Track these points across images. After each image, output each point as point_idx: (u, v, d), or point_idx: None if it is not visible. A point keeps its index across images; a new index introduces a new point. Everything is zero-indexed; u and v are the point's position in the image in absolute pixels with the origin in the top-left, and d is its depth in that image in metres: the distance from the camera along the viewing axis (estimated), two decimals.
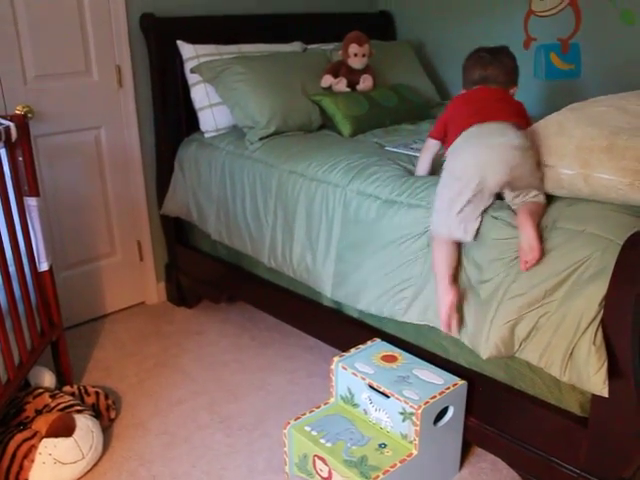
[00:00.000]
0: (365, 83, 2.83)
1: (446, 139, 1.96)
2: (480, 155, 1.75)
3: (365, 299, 2.10)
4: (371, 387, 1.86)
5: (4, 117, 2.07)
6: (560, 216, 1.70)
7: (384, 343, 2.06)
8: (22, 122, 2.09)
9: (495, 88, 1.99)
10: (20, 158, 2.10)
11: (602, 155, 1.61)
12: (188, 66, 2.79)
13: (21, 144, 2.08)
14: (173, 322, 2.92)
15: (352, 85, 2.83)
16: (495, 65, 2.01)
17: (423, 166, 2.10)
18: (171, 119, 2.88)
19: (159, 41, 2.77)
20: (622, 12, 2.82)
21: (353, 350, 2.01)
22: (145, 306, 3.08)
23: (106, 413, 2.17)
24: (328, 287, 2.24)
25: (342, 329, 2.28)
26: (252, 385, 2.42)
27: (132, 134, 2.87)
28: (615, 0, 2.82)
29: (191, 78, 2.79)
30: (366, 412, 1.90)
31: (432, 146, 2.06)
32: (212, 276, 2.88)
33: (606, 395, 1.54)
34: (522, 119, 1.90)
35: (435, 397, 1.77)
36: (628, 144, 1.60)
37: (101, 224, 2.88)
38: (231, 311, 3.01)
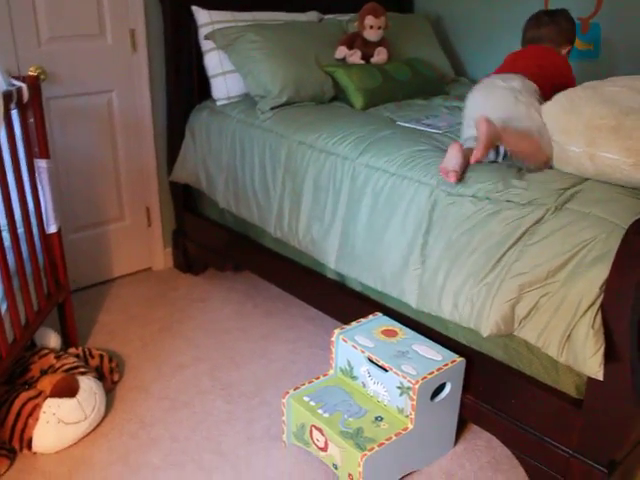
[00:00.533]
0: (380, 56, 2.81)
1: None
2: (479, 98, 2.02)
3: (368, 274, 2.12)
4: (370, 360, 1.88)
5: (17, 78, 2.07)
6: (567, 197, 1.69)
7: (385, 317, 2.07)
8: (34, 83, 2.09)
9: (543, 46, 2.28)
10: (31, 120, 2.11)
11: (609, 134, 1.60)
12: (202, 32, 2.77)
13: (33, 106, 2.09)
14: (178, 288, 2.95)
15: (366, 57, 2.81)
16: (550, 26, 2.31)
17: None
18: (184, 86, 2.87)
19: (174, 6, 2.75)
20: None
21: (354, 323, 2.03)
22: (152, 272, 3.11)
23: (109, 376, 2.20)
24: (332, 259, 2.25)
25: (344, 302, 2.30)
26: (254, 353, 2.45)
27: (144, 99, 2.87)
28: None
29: (205, 45, 2.78)
30: (364, 385, 1.92)
31: None
32: (218, 244, 2.89)
33: (601, 378, 1.55)
34: (556, 75, 2.14)
35: (433, 373, 1.79)
36: (636, 124, 1.59)
37: (110, 188, 2.90)
38: (236, 280, 3.03)
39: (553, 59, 2.24)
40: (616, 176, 1.63)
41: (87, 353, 2.22)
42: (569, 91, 1.80)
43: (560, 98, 1.77)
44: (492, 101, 1.99)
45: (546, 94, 2.00)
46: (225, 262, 2.91)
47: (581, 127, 1.65)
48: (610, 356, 1.56)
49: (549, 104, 1.78)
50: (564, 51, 2.33)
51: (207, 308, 2.77)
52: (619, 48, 2.86)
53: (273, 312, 2.75)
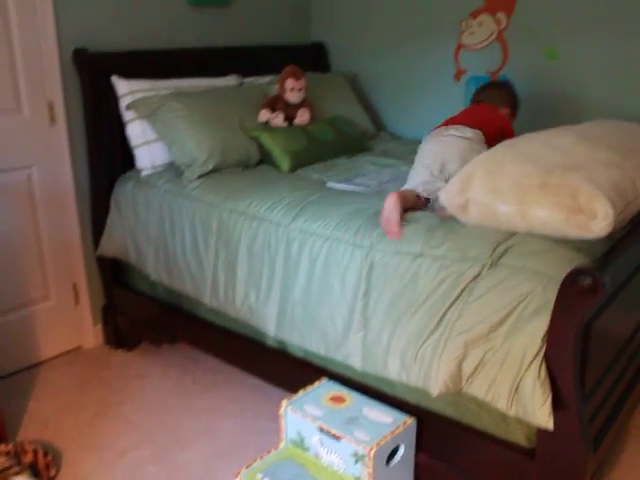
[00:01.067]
0: (302, 117, 2.85)
1: None
2: (435, 145, 2.25)
3: (310, 339, 2.09)
4: (321, 430, 1.84)
5: None
6: (501, 252, 1.73)
7: (331, 383, 2.04)
8: None
9: (485, 104, 2.54)
10: None
11: (538, 192, 1.66)
12: (123, 102, 2.73)
13: None
14: (112, 367, 2.83)
15: (289, 119, 2.84)
16: (491, 89, 2.65)
17: None
18: (106, 157, 2.81)
19: (93, 77, 2.71)
20: (546, 49, 2.93)
21: (301, 392, 1.99)
22: (81, 351, 2.97)
23: (45, 472, 2.07)
24: (272, 326, 2.21)
25: (287, 369, 2.26)
26: (199, 431, 2.36)
27: (66, 173, 2.79)
28: (538, 37, 2.93)
29: (127, 115, 2.74)
30: (317, 455, 1.87)
31: None
32: (152, 317, 2.81)
33: (551, 428, 1.58)
34: (498, 128, 2.38)
35: (386, 437, 1.76)
36: (561, 181, 1.65)
37: (34, 267, 2.78)
38: (172, 352, 2.94)
39: (494, 114, 2.47)
40: (547, 231, 1.68)
41: (19, 449, 2.08)
42: (492, 151, 1.86)
43: (485, 158, 1.83)
44: (449, 148, 2.21)
45: (490, 144, 2.20)
46: (160, 336, 2.82)
47: (509, 186, 1.69)
48: (558, 405, 1.59)
49: (476, 162, 1.83)
50: (504, 111, 2.57)
51: (145, 386, 2.66)
52: (525, 99, 2.99)
53: (214, 384, 2.67)
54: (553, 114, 2.96)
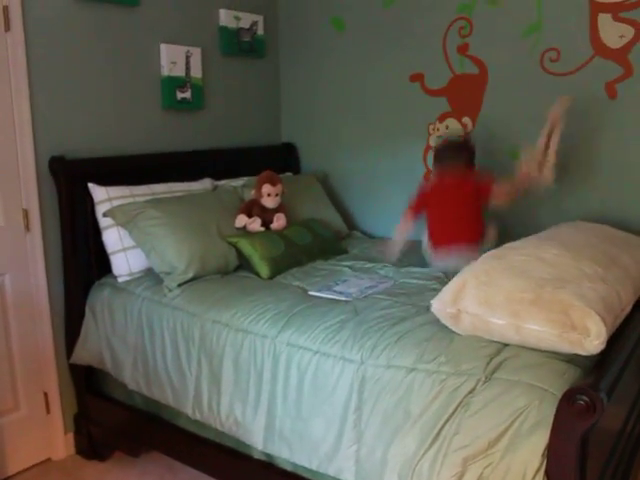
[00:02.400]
0: (279, 222, 2.89)
1: None
2: None
3: (300, 453, 2.06)
4: None
5: None
6: (495, 365, 1.76)
7: None
8: None
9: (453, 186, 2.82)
10: None
11: (531, 307, 1.71)
12: (100, 209, 2.74)
13: None
14: (85, 479, 2.72)
15: (266, 224, 2.88)
16: (454, 152, 2.89)
17: None
18: (81, 263, 2.79)
19: (69, 184, 2.72)
20: (509, 150, 3.07)
21: None
22: (52, 462, 2.85)
23: None
24: (259, 440, 2.17)
25: None
26: None
27: (39, 280, 2.75)
28: (502, 139, 3.08)
29: (103, 221, 2.74)
30: None
31: None
32: (128, 427, 2.73)
33: None
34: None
35: None
36: (553, 297, 1.71)
37: (3, 376, 2.68)
38: (148, 461, 2.84)
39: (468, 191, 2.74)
40: (541, 345, 1.73)
41: None
42: (482, 263, 1.92)
43: (474, 270, 1.88)
44: None
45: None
46: (136, 446, 2.73)
47: (502, 300, 1.75)
48: None
49: (467, 274, 1.89)
50: (472, 170, 2.81)
51: None
52: None
53: None
54: (519, 214, 3.07)
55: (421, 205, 2.86)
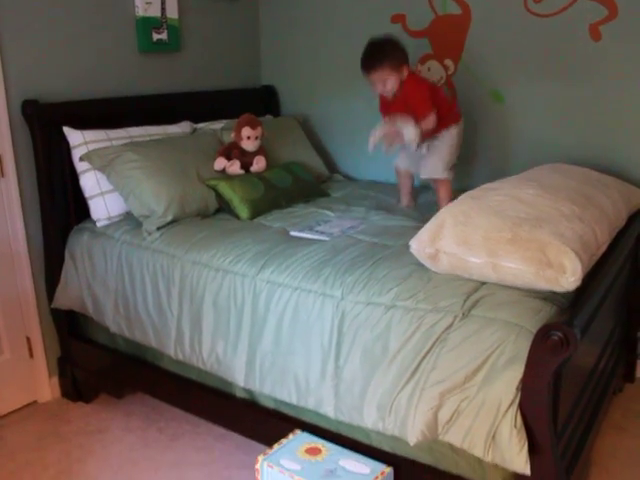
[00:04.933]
0: (259, 164, 2.87)
1: None
2: None
3: (281, 387, 2.10)
4: None
5: None
6: (472, 303, 1.79)
7: (305, 434, 2.05)
8: None
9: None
10: None
11: (508, 246, 1.73)
12: (76, 153, 2.69)
13: None
14: (71, 421, 2.75)
15: (246, 167, 2.86)
16: (381, 53, 2.69)
17: None
18: (59, 208, 2.76)
19: (44, 128, 2.66)
20: (491, 92, 3.06)
21: (276, 446, 1.99)
22: (38, 405, 2.88)
23: None
24: (241, 377, 2.21)
25: (257, 420, 2.25)
26: None
27: (17, 225, 2.72)
28: (484, 81, 3.06)
29: (80, 166, 2.70)
30: None
31: None
32: (112, 369, 2.75)
33: (529, 473, 1.63)
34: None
35: None
36: (530, 235, 1.73)
37: None
38: (133, 402, 2.88)
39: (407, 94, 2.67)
40: (517, 283, 1.76)
41: None
42: (459, 203, 1.93)
43: (454, 210, 1.89)
44: None
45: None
46: (120, 388, 2.77)
47: (479, 239, 1.76)
48: (533, 450, 1.64)
49: (444, 215, 1.90)
50: (406, 70, 2.67)
51: (107, 440, 2.60)
52: (476, 142, 3.11)
53: (179, 434, 2.63)
54: (502, 154, 3.08)
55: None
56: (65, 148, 2.73)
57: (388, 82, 2.64)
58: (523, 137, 3.03)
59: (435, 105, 2.64)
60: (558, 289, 1.71)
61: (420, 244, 1.90)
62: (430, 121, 2.61)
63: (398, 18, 3.26)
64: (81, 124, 2.74)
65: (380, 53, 2.65)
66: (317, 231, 2.40)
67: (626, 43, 2.73)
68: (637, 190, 2.67)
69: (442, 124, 2.69)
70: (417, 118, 2.58)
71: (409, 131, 2.55)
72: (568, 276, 1.67)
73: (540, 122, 2.98)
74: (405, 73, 2.66)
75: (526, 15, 2.91)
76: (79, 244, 2.71)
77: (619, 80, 2.77)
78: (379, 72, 2.63)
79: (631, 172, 2.80)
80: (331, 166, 3.59)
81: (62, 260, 2.76)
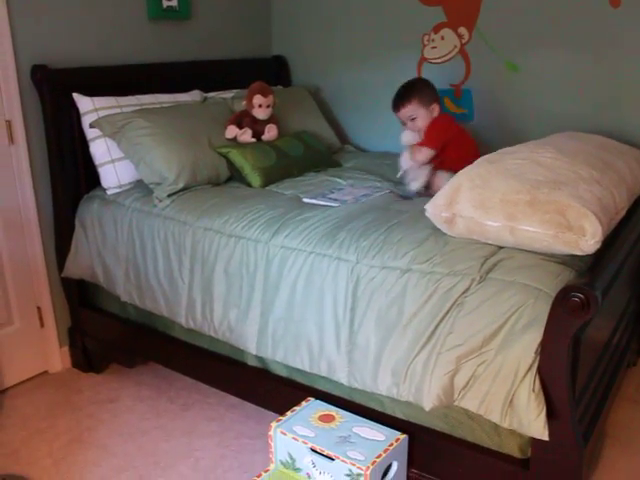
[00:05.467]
0: (270, 133, 2.83)
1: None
2: None
3: (294, 355, 2.08)
4: (314, 451, 1.82)
5: None
6: (490, 266, 1.76)
7: (319, 402, 2.03)
8: None
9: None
10: None
11: (526, 208, 1.69)
12: (86, 120, 2.66)
13: None
14: (82, 390, 2.75)
15: (257, 135, 2.82)
16: (415, 91, 2.64)
17: None
18: (69, 176, 2.73)
19: (53, 94, 2.63)
20: (506, 62, 3.00)
21: (289, 413, 1.97)
22: (49, 375, 2.88)
23: None
24: (253, 345, 2.19)
25: (269, 388, 2.23)
26: (179, 453, 2.31)
27: (27, 193, 2.70)
28: (499, 50, 3.00)
29: (90, 133, 2.67)
30: (310, 476, 1.86)
31: None
32: (122, 339, 2.74)
33: (547, 439, 1.61)
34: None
35: (380, 455, 1.76)
36: (549, 198, 1.69)
37: None
38: (144, 372, 2.87)
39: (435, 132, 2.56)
40: (535, 246, 1.72)
41: None
42: (477, 167, 1.89)
43: (471, 173, 1.85)
44: None
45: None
46: (131, 357, 2.76)
47: (497, 202, 1.72)
48: (551, 415, 1.62)
49: (462, 177, 1.86)
50: (436, 108, 2.61)
51: (118, 409, 2.60)
52: (489, 111, 3.06)
53: (190, 404, 2.63)
54: (516, 124, 3.03)
55: None
56: (75, 115, 2.70)
57: (417, 120, 2.58)
58: (538, 107, 2.98)
59: (453, 148, 2.55)
60: (577, 252, 1.68)
61: (436, 208, 1.87)
62: (423, 154, 2.53)
63: None
64: (91, 91, 2.70)
65: (409, 91, 2.62)
66: (330, 198, 2.36)
67: None
68: None
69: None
70: (419, 144, 2.55)
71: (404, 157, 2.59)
72: (588, 239, 1.64)
73: (555, 92, 2.93)
74: (436, 112, 2.61)
75: None
76: (89, 212, 2.68)
77: (637, 49, 2.71)
78: (407, 108, 2.58)
79: None
80: (342, 137, 3.55)
81: (72, 229, 2.74)
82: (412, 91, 2.60)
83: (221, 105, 2.99)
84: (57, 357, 2.91)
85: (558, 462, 1.65)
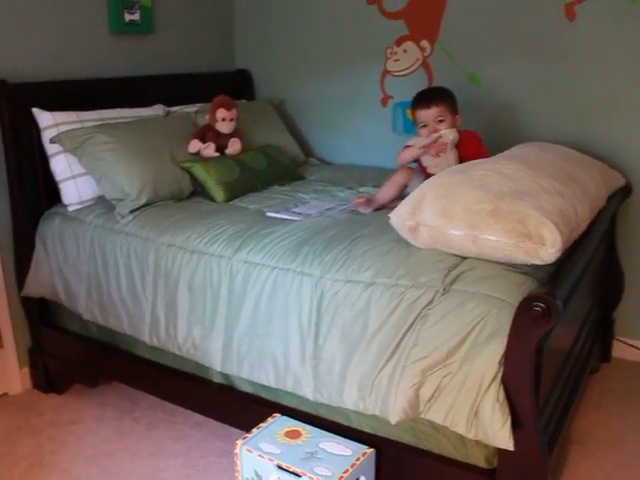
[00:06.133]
0: (234, 147, 2.82)
1: None
2: None
3: (259, 370, 2.05)
4: (280, 468, 1.80)
5: None
6: (453, 278, 1.76)
7: (285, 418, 2.01)
8: None
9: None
10: None
11: (488, 218, 1.70)
12: (46, 135, 2.61)
13: None
14: (43, 413, 2.68)
15: (221, 149, 2.80)
16: (441, 98, 2.49)
17: None
18: (29, 192, 2.68)
19: (12, 109, 2.57)
20: (468, 73, 3.04)
21: (255, 430, 1.94)
22: (8, 397, 2.80)
23: None
24: (218, 361, 2.16)
25: (235, 405, 2.20)
26: (144, 475, 2.26)
27: None
28: (460, 63, 3.03)
29: (50, 148, 2.62)
30: None
31: None
32: (85, 358, 2.68)
33: (512, 449, 1.61)
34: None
35: (347, 471, 1.74)
36: (511, 208, 1.70)
37: None
38: (107, 392, 2.81)
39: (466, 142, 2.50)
40: (497, 256, 1.73)
41: None
42: (440, 177, 1.90)
43: (435, 183, 1.86)
44: None
45: None
46: (94, 377, 2.70)
47: (460, 211, 1.73)
48: (516, 425, 1.62)
49: (425, 187, 1.87)
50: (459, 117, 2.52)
51: (81, 431, 2.53)
52: None
53: (156, 424, 2.57)
54: (480, 135, 3.05)
55: None
56: (35, 130, 2.65)
57: (443, 123, 2.43)
58: (500, 118, 3.02)
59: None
60: (538, 261, 1.69)
61: (400, 217, 1.87)
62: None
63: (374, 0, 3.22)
64: (51, 106, 2.66)
65: (443, 92, 2.50)
66: (294, 212, 2.36)
67: (600, 22, 2.72)
68: (613, 171, 2.67)
69: None
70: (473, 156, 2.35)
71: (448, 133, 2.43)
72: (547, 248, 1.65)
73: (517, 104, 2.97)
74: (458, 123, 2.50)
75: None
76: (50, 229, 2.63)
77: (593, 61, 2.77)
78: (440, 108, 2.43)
79: (606, 153, 2.79)
80: (307, 150, 3.55)
81: (32, 247, 2.68)
82: (446, 94, 2.48)
83: (184, 119, 2.96)
84: (17, 378, 2.83)
85: (524, 471, 1.65)
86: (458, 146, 2.45)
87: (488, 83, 3.01)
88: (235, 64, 3.73)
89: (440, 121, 2.44)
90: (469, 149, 2.44)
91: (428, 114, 2.44)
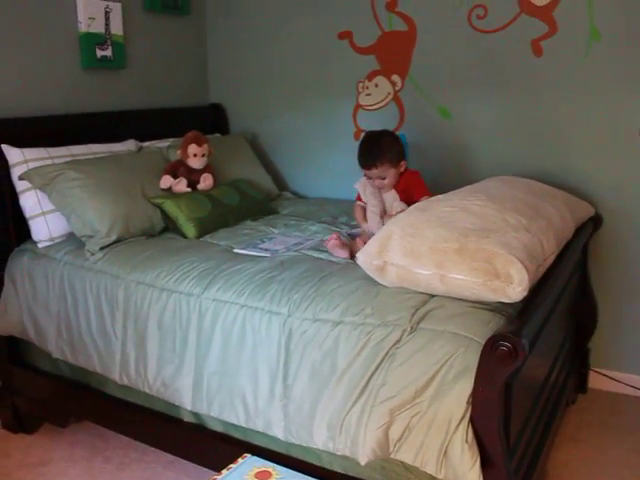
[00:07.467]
0: (206, 182, 2.82)
1: None
2: None
3: (230, 410, 2.03)
4: None
5: None
6: (420, 316, 1.76)
7: (255, 458, 1.98)
8: None
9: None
10: None
11: (455, 257, 1.71)
12: (15, 172, 2.59)
13: None
14: (11, 454, 2.62)
15: (192, 185, 2.80)
16: (381, 149, 2.46)
17: None
18: None
19: None
20: (438, 107, 3.07)
21: (225, 471, 1.91)
22: None
23: None
24: (188, 400, 2.14)
25: (205, 444, 2.17)
26: None
27: None
28: (431, 97, 3.07)
29: (19, 185, 2.60)
30: None
31: None
32: (55, 397, 2.64)
33: None
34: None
35: None
36: (477, 246, 1.71)
37: None
38: (78, 431, 2.75)
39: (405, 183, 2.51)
40: (465, 294, 1.74)
41: None
42: (407, 215, 1.91)
43: (402, 222, 1.87)
44: None
45: None
46: (64, 416, 2.65)
47: (426, 250, 1.74)
48: (486, 464, 1.61)
49: (392, 226, 1.87)
50: (403, 164, 2.51)
51: (49, 473, 2.47)
52: (423, 156, 3.11)
53: (127, 463, 2.53)
54: (450, 168, 3.09)
55: None
56: (3, 166, 2.62)
57: (387, 179, 2.45)
58: (470, 152, 3.05)
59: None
60: (505, 300, 1.70)
61: (367, 256, 1.87)
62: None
63: (345, 35, 3.26)
64: (21, 142, 2.64)
65: (380, 150, 2.44)
66: (261, 248, 2.36)
67: (566, 57, 2.78)
68: (582, 202, 2.70)
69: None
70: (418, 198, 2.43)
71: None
72: (515, 286, 1.66)
73: (486, 137, 3.01)
74: (403, 168, 2.50)
75: (470, 31, 2.95)
76: (19, 266, 2.60)
77: (560, 94, 2.82)
78: (379, 169, 2.42)
79: (575, 184, 2.83)
80: (280, 184, 3.56)
81: (1, 284, 2.65)
82: (384, 152, 2.43)
83: (156, 154, 2.96)
84: None
85: None
86: (405, 189, 2.49)
87: (458, 117, 3.05)
88: (209, 98, 3.74)
89: (383, 178, 2.45)
90: (415, 190, 2.49)
91: (371, 174, 2.46)
